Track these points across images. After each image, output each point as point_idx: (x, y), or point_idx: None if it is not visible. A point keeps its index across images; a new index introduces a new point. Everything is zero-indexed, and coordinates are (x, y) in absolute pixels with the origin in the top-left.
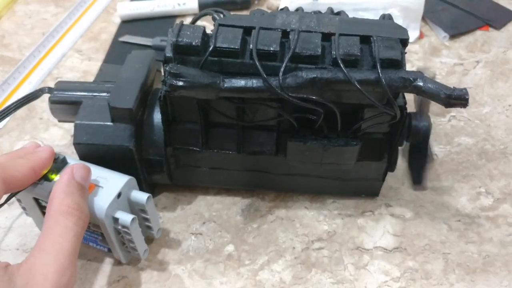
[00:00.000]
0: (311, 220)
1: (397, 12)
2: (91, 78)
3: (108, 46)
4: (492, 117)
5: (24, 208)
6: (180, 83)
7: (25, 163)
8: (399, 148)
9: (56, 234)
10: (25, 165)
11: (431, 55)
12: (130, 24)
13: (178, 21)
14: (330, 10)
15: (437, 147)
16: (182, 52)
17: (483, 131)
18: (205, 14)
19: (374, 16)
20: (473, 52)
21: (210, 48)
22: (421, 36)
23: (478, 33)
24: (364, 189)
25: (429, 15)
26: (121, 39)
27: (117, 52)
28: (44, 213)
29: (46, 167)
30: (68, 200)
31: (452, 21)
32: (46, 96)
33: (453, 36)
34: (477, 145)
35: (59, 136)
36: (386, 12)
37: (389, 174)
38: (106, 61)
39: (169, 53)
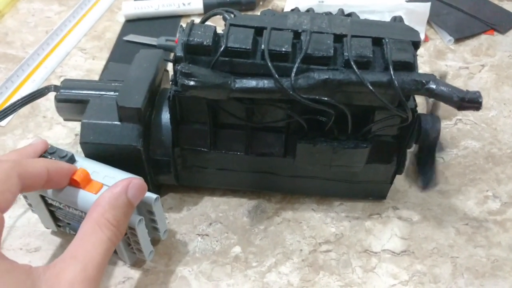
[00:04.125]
0: (318, 222)
1: (403, 15)
2: (95, 77)
3: (112, 45)
4: (499, 121)
5: (30, 205)
6: (192, 83)
7: (40, 161)
8: (407, 150)
9: (89, 244)
10: (40, 164)
11: (436, 59)
12: (134, 23)
13: (182, 21)
14: (341, 12)
15: (443, 151)
16: (193, 52)
17: (489, 134)
18: (215, 14)
19: (380, 19)
20: (478, 56)
21: (221, 48)
22: (426, 39)
23: (483, 37)
24: (372, 192)
25: (434, 19)
26: (126, 38)
27: (121, 51)
28: (50, 210)
29: (62, 174)
30: (110, 213)
31: (457, 25)
32: (50, 94)
33: (458, 39)
34: (484, 149)
35: (63, 134)
36: (392, 15)
37: (396, 177)
38: (111, 60)
39: (179, 53)
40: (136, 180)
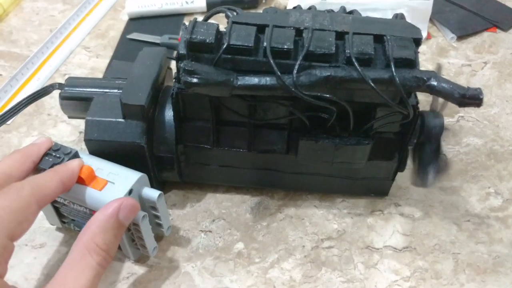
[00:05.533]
0: (321, 218)
1: (405, 13)
2: (99, 75)
3: (116, 43)
4: (501, 118)
5: None
6: (195, 80)
7: (54, 177)
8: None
9: (78, 270)
10: (55, 180)
11: (439, 56)
12: (138, 21)
13: (186, 19)
14: (343, 9)
15: (445, 147)
16: (196, 49)
17: (491, 131)
18: (218, 12)
19: (382, 17)
20: (481, 53)
21: (224, 46)
22: (428, 37)
23: (486, 35)
24: (373, 189)
25: (437, 16)
26: (129, 36)
27: (125, 50)
28: (54, 207)
29: (74, 179)
30: (99, 237)
31: (460, 22)
32: (54, 92)
33: (461, 37)
34: (486, 146)
35: (67, 132)
36: (394, 13)
37: (398, 173)
38: (114, 58)
39: (182, 50)
40: (128, 201)
